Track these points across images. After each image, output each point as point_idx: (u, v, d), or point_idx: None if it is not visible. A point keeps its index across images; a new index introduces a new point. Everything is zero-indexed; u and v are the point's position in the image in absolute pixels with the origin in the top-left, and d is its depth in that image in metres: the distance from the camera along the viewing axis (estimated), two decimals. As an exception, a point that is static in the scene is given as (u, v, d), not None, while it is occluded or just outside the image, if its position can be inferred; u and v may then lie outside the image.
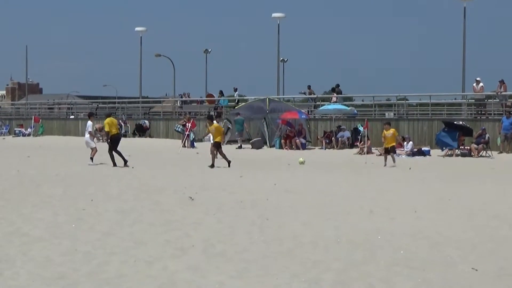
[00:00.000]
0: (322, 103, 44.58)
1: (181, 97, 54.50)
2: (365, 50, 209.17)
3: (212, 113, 42.74)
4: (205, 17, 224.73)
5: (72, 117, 58.79)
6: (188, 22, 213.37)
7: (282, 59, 66.88)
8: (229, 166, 24.68)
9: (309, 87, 48.23)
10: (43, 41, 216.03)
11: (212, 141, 27.36)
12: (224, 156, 25.06)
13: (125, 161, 24.70)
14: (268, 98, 41.51)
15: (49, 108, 69.10)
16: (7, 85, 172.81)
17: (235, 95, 50.32)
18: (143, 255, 9.96)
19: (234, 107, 47.34)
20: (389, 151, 26.61)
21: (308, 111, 43.91)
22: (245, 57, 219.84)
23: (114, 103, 63.82)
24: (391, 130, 26.92)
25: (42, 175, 21.40)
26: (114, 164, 24.50)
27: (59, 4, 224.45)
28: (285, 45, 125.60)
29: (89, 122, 26.50)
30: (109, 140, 25.01)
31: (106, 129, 25.07)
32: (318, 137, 39.36)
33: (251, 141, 38.90)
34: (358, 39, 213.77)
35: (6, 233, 11.64)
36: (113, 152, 24.76)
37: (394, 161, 26.25)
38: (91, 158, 25.47)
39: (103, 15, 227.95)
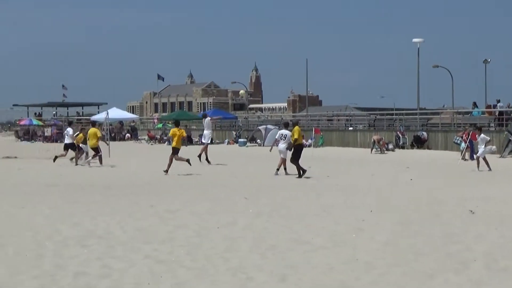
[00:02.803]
0: None
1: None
2: None
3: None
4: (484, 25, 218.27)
5: (350, 128, 59.72)
6: (467, 32, 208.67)
7: None
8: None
9: None
10: (323, 55, 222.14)
11: None
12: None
13: (304, 171, 24.77)
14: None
15: (328, 120, 70.81)
16: (288, 97, 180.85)
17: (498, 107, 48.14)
18: (424, 267, 9.89)
19: None
20: None
21: None
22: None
23: (392, 114, 63.91)
24: None
25: (322, 185, 22.04)
26: (300, 174, 24.66)
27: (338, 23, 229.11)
28: None
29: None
30: (291, 149, 25.48)
31: (295, 136, 25.31)
32: None
33: None
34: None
35: (289, 240, 12.11)
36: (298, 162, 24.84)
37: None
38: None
39: (379, 27, 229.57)
